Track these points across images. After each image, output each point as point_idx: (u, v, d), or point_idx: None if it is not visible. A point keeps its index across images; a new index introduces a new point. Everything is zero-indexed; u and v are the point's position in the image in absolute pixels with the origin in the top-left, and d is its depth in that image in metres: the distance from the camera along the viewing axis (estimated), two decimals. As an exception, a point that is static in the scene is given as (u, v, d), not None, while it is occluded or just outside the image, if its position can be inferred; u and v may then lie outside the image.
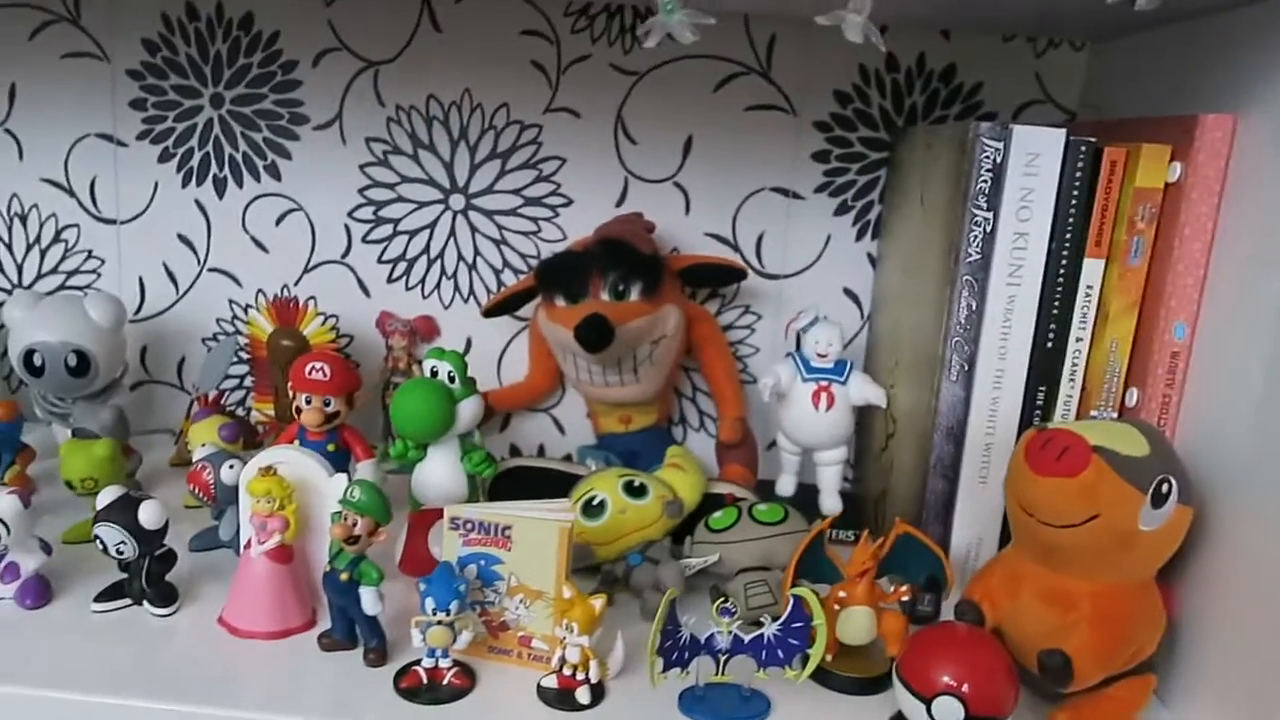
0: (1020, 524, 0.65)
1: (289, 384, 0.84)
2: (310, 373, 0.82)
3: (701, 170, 1.03)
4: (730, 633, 0.65)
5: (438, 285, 1.07)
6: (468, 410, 0.83)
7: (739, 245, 1.05)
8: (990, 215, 0.74)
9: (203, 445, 0.81)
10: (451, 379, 0.83)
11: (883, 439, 0.94)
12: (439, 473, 0.84)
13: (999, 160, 0.73)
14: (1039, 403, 0.77)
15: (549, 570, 0.67)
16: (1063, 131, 0.73)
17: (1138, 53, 0.87)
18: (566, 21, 1.01)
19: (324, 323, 1.01)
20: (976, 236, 0.74)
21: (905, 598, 0.70)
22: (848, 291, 1.06)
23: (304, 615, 0.72)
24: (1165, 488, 0.62)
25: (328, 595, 0.68)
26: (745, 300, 1.06)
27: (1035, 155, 0.73)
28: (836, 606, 0.68)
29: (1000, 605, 0.68)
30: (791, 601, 0.65)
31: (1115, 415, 0.75)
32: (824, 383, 0.92)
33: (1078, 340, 0.76)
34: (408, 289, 1.08)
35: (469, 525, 0.68)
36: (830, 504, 0.96)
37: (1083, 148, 0.73)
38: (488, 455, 0.84)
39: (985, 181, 0.73)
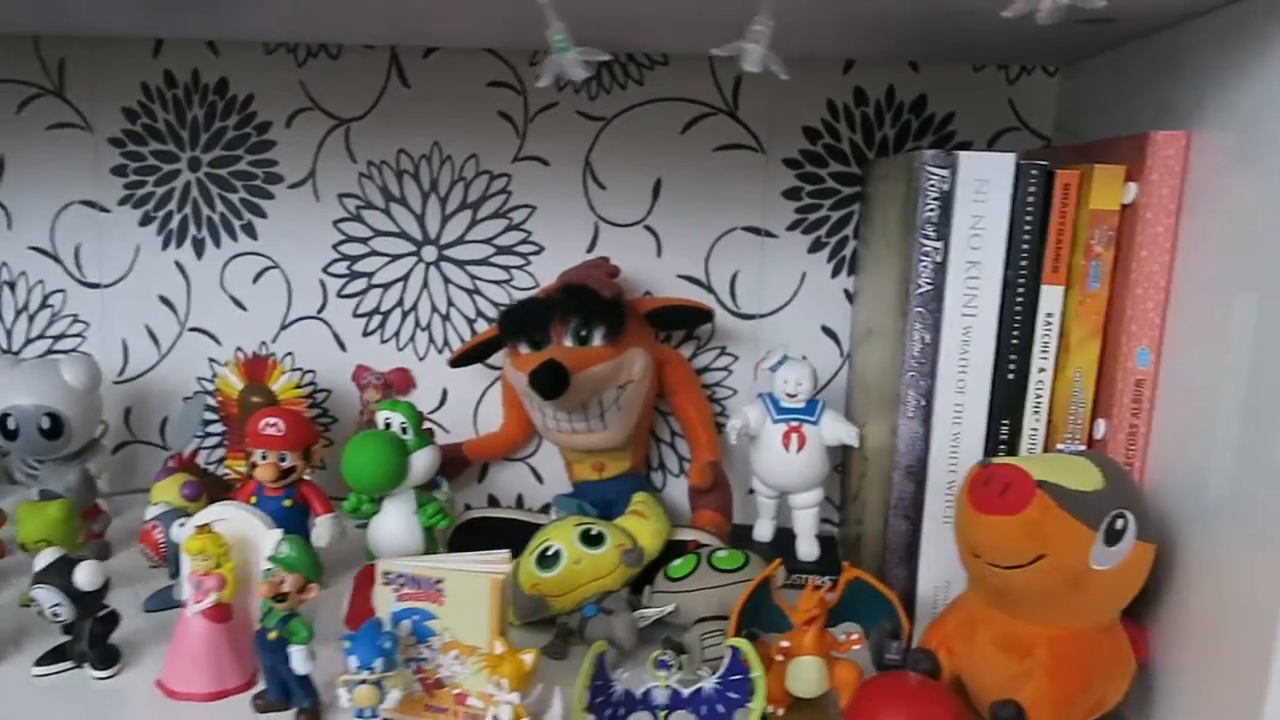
0: (970, 565, 0.62)
1: (246, 440, 0.83)
2: (264, 428, 0.82)
3: (672, 212, 1.02)
4: (669, 687, 0.63)
5: (412, 337, 1.07)
6: (421, 462, 0.82)
7: (713, 286, 1.03)
8: (940, 245, 0.71)
9: (156, 504, 0.81)
10: (404, 430, 0.82)
11: (858, 479, 0.91)
12: (393, 526, 0.83)
13: (946, 189, 0.70)
14: (1003, 437, 0.73)
15: (482, 625, 0.65)
16: (1012, 156, 0.70)
17: (1105, 73, 0.84)
18: (532, 71, 1.01)
19: (295, 378, 1.01)
20: (927, 267, 0.71)
21: (857, 645, 0.66)
22: (825, 329, 1.03)
23: (242, 675, 0.70)
24: (1120, 523, 0.58)
25: (259, 655, 0.67)
26: (721, 341, 1.04)
27: (984, 181, 0.70)
28: (779, 657, 0.64)
29: (957, 652, 0.64)
30: (729, 653, 0.62)
31: (1084, 448, 0.71)
32: (794, 423, 0.90)
33: (1040, 371, 0.72)
34: (383, 342, 1.08)
35: (401, 580, 0.66)
36: (806, 549, 0.93)
37: (1034, 172, 0.70)
38: (442, 507, 0.83)
39: (933, 211, 0.71)
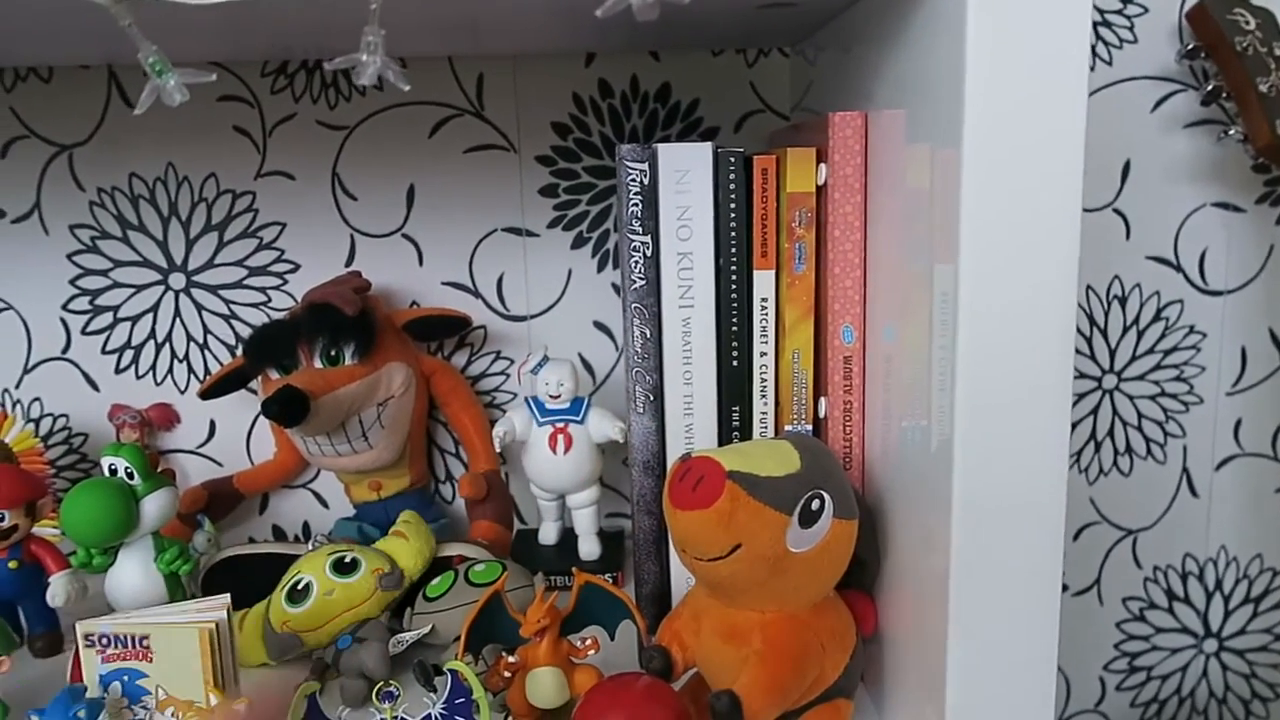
0: (681, 560, 0.62)
1: (-41, 503, 0.77)
2: (-30, 489, 0.76)
3: (429, 219, 1.00)
4: (395, 717, 0.61)
5: (170, 370, 1.02)
6: (154, 506, 0.78)
7: (479, 290, 1.01)
8: (648, 239, 0.71)
9: None
10: (130, 475, 0.77)
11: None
12: (129, 577, 0.78)
13: (646, 181, 0.70)
14: (735, 424, 0.74)
15: (195, 677, 0.62)
16: (709, 145, 0.70)
17: (824, 54, 0.86)
18: (265, 82, 0.97)
19: (29, 428, 0.94)
20: (638, 262, 0.71)
21: (593, 651, 0.66)
22: (598, 324, 1.03)
23: (-55, 763, 0.65)
24: (816, 504, 0.59)
25: (-49, 740, 0.62)
26: (495, 346, 1.03)
27: (685, 172, 0.70)
28: (506, 673, 0.63)
29: (689, 646, 0.64)
30: (448, 676, 0.60)
31: (796, 430, 0.72)
32: (560, 424, 0.89)
33: (762, 355, 0.73)
34: (138, 378, 1.02)
35: (104, 640, 0.62)
36: (587, 548, 0.92)
37: (732, 159, 0.71)
38: (184, 551, 0.79)
39: (636, 205, 0.70)
